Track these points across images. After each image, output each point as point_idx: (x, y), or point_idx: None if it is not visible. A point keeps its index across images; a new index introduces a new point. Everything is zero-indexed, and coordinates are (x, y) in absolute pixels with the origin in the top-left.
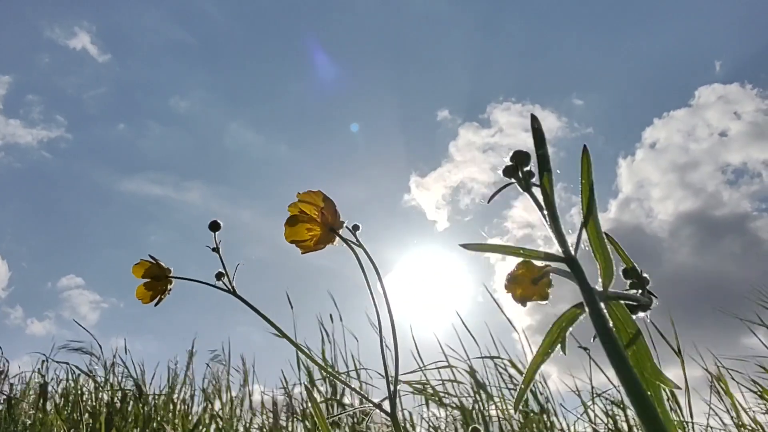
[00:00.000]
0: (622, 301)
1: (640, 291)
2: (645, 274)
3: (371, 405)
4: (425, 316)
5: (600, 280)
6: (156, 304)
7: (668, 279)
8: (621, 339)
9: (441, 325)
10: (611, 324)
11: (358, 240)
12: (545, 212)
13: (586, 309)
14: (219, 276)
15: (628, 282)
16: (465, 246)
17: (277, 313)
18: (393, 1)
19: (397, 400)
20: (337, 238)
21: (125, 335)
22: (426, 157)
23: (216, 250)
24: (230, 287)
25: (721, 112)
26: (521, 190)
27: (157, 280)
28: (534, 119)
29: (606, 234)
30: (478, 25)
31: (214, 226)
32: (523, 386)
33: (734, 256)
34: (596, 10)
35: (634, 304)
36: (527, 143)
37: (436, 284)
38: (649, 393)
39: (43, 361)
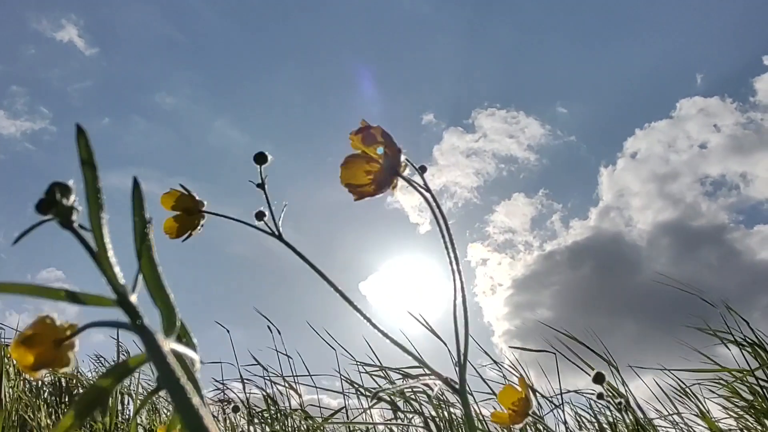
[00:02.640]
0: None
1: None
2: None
3: (436, 378)
4: (405, 317)
5: (162, 326)
6: (184, 240)
7: (646, 287)
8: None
9: (419, 328)
10: (178, 372)
11: (426, 184)
12: (90, 252)
13: (148, 356)
14: (260, 216)
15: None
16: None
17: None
18: (379, 4)
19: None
20: (399, 182)
21: (105, 330)
22: (409, 160)
23: (261, 186)
24: (275, 228)
25: (702, 125)
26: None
27: (188, 214)
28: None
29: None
30: (464, 31)
31: (261, 159)
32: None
33: (711, 266)
34: (582, 21)
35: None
36: (510, 149)
37: (416, 287)
38: None
39: None
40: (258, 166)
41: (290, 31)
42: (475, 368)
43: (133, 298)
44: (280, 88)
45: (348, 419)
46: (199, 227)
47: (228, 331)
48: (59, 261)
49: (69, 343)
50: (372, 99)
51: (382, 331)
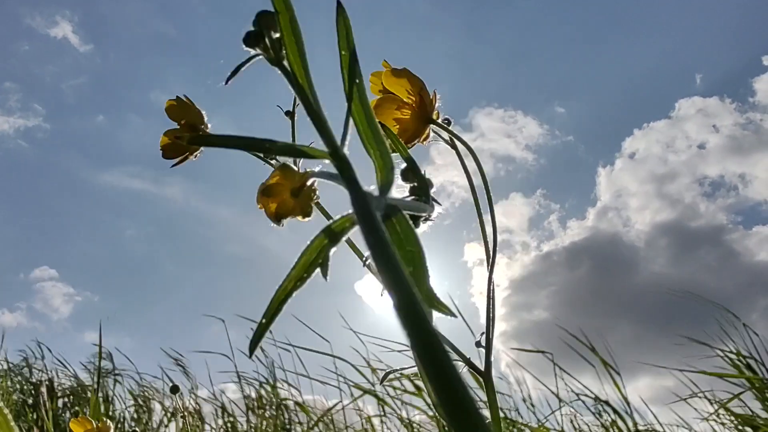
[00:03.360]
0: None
1: (422, 198)
2: (428, 176)
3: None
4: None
5: (377, 182)
6: (175, 164)
7: (644, 288)
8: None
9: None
10: (388, 238)
11: (458, 137)
12: (298, 94)
13: (357, 220)
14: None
15: (408, 187)
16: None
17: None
18: (377, 2)
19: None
20: (431, 133)
21: (99, 330)
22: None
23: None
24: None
25: (700, 125)
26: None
27: (192, 131)
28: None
29: (381, 124)
30: (462, 29)
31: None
32: (264, 321)
33: (709, 267)
34: (581, 21)
35: (417, 215)
36: (508, 149)
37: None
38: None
39: None
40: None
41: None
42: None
43: (345, 151)
44: (276, 86)
45: (344, 417)
46: (197, 153)
47: (223, 321)
48: (52, 260)
49: (308, 192)
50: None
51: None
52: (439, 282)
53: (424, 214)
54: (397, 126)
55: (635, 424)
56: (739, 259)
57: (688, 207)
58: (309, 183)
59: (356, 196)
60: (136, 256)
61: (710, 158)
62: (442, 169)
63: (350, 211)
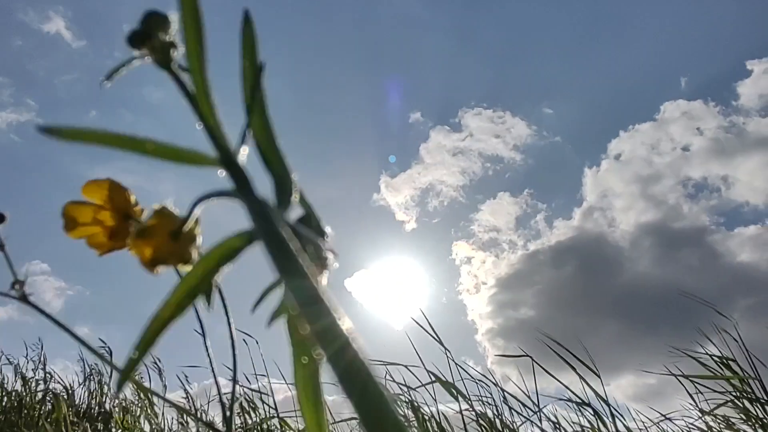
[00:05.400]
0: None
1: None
2: (325, 227)
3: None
4: (390, 314)
5: (275, 198)
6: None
7: (628, 288)
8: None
9: (404, 325)
10: (298, 253)
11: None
12: (188, 96)
13: (258, 236)
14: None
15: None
16: (49, 130)
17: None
18: (369, 4)
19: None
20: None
21: (90, 324)
22: (396, 158)
23: None
24: None
25: (685, 128)
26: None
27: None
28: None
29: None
30: (453, 30)
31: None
32: (135, 355)
33: (692, 268)
34: (570, 24)
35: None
36: (496, 149)
37: (401, 284)
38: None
39: None
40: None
41: (279, 29)
42: (458, 365)
43: (241, 159)
44: (269, 86)
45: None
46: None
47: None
48: (44, 255)
49: (189, 236)
50: (361, 98)
51: None
52: (427, 280)
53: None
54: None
55: (615, 425)
56: (721, 259)
57: (672, 208)
58: (191, 226)
59: (257, 209)
60: (128, 251)
61: (694, 160)
62: (432, 168)
63: (240, 229)
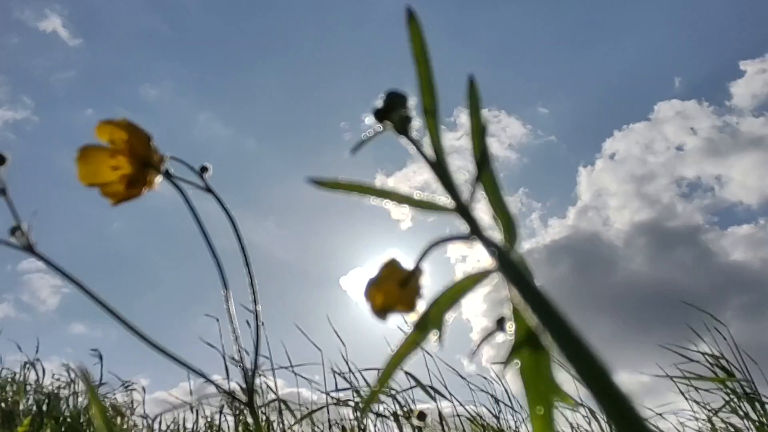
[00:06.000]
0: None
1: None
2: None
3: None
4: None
5: (503, 240)
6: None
7: (622, 286)
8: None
9: (397, 323)
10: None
11: (207, 183)
12: (429, 159)
13: (504, 277)
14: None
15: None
16: (316, 182)
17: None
18: (360, 3)
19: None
20: (160, 177)
21: (86, 322)
22: (392, 156)
23: None
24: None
25: (679, 127)
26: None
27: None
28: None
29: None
30: (447, 29)
31: None
32: (376, 387)
33: (685, 267)
34: (564, 23)
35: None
36: (491, 148)
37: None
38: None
39: None
40: None
41: (275, 25)
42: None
43: (473, 207)
44: (265, 82)
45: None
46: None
47: (218, 320)
48: (40, 252)
49: (414, 285)
50: (354, 94)
51: None
52: (424, 278)
53: None
54: (117, 173)
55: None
56: (715, 258)
57: (666, 207)
58: (417, 276)
59: (499, 252)
60: (123, 249)
61: (688, 160)
62: (427, 167)
63: (470, 272)
